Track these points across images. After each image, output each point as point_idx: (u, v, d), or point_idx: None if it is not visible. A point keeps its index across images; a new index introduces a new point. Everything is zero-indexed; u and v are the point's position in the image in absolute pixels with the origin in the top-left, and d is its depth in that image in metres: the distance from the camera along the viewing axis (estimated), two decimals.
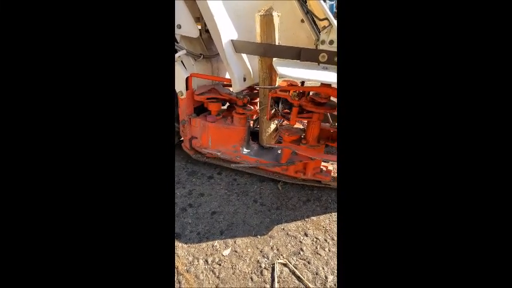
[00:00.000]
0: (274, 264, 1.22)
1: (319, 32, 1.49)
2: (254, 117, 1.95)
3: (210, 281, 1.14)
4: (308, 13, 1.62)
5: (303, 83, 1.63)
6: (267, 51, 1.42)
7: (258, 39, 1.44)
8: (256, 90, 1.86)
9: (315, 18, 1.58)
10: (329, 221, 1.49)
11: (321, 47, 1.46)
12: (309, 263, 1.24)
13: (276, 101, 1.53)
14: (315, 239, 1.37)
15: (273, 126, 1.75)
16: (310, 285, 1.13)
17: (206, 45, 1.89)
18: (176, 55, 1.57)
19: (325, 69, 1.38)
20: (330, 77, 1.27)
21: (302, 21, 1.72)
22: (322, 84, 1.35)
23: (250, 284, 1.14)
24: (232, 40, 1.51)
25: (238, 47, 1.51)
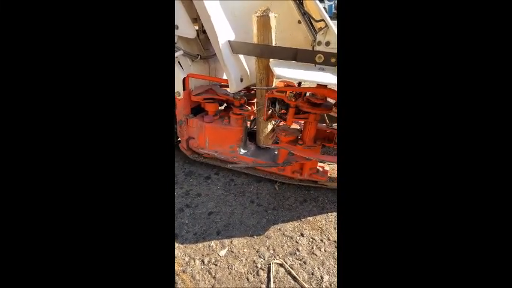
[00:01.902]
0: (270, 264, 1.23)
1: (316, 33, 1.50)
2: (251, 117, 1.95)
3: (206, 281, 1.14)
4: (305, 14, 1.62)
5: (299, 83, 1.64)
6: (264, 52, 1.43)
7: (255, 40, 1.44)
8: (253, 90, 1.86)
9: (311, 20, 1.58)
10: (325, 221, 1.50)
11: (317, 48, 1.46)
12: (304, 263, 1.25)
13: (273, 101, 1.53)
14: (311, 239, 1.38)
15: (270, 126, 1.75)
16: (305, 285, 1.14)
17: (203, 46, 1.89)
18: None
19: (322, 70, 1.38)
20: (326, 77, 1.27)
21: (299, 22, 1.72)
22: (318, 85, 1.36)
23: (246, 284, 1.14)
24: (229, 41, 1.51)
25: (235, 47, 1.51)
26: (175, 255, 1.26)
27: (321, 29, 1.45)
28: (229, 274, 1.18)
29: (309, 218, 1.52)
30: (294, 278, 1.17)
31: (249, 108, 1.75)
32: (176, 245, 1.31)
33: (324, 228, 1.45)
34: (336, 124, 1.61)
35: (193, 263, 1.22)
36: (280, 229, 1.43)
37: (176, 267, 1.20)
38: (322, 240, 1.37)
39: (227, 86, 1.65)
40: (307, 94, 1.48)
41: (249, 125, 1.91)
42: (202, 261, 1.23)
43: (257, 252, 1.29)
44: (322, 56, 1.32)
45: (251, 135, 2.00)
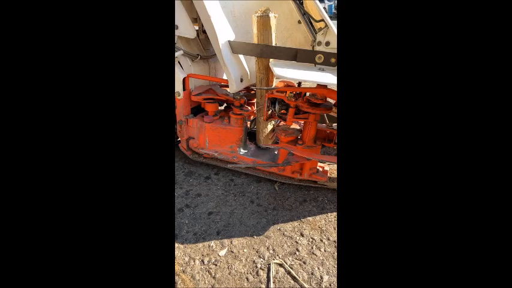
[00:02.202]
0: (270, 264, 1.23)
1: (316, 33, 1.50)
2: (251, 117, 1.95)
3: (206, 281, 1.15)
4: (305, 14, 1.62)
5: (299, 83, 1.64)
6: (264, 52, 1.43)
7: (255, 40, 1.44)
8: (253, 91, 1.86)
9: (311, 20, 1.59)
10: (325, 222, 1.50)
11: (317, 48, 1.47)
12: (304, 263, 1.25)
13: (273, 101, 1.53)
14: (310, 239, 1.38)
15: (270, 126, 1.75)
16: (305, 285, 1.14)
17: (203, 46, 1.89)
18: None
19: (322, 70, 1.38)
20: (326, 78, 1.27)
21: (299, 22, 1.73)
22: (318, 85, 1.36)
23: (246, 284, 1.14)
24: (229, 41, 1.51)
25: (235, 47, 1.51)
26: (175, 255, 1.26)
27: (320, 29, 1.45)
28: (229, 274, 1.18)
29: (308, 218, 1.52)
30: (293, 278, 1.17)
31: (249, 108, 1.75)
32: (176, 245, 1.31)
33: (323, 228, 1.45)
34: (335, 124, 1.61)
35: (193, 263, 1.22)
36: (280, 229, 1.43)
37: (176, 267, 1.20)
38: (322, 240, 1.37)
39: (227, 86, 1.65)
40: (307, 94, 1.48)
41: (249, 125, 1.91)
42: (202, 261, 1.23)
43: (257, 252, 1.29)
44: (322, 56, 1.32)
45: (251, 135, 2.00)
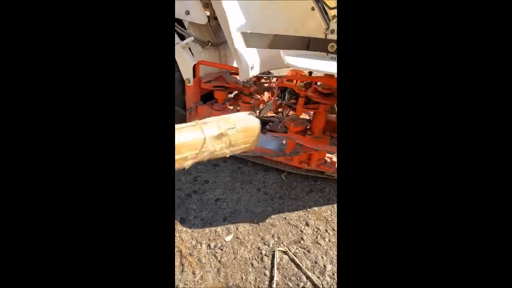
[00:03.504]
0: (274, 251, 1.25)
1: (329, 21, 1.46)
2: (260, 106, 1.95)
3: (212, 265, 1.18)
4: (319, 1, 1.58)
5: (310, 72, 1.61)
6: (276, 42, 1.40)
7: None
8: (263, 79, 1.84)
9: (325, 7, 1.54)
10: (331, 212, 1.51)
11: (330, 36, 1.43)
12: (308, 251, 1.27)
13: (283, 91, 1.52)
14: (315, 229, 1.39)
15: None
16: (308, 273, 1.16)
17: (214, 32, 1.87)
18: (183, 42, 1.57)
19: (334, 59, 1.35)
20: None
21: (312, 9, 1.68)
22: (325, 74, 1.34)
23: (250, 269, 1.17)
24: (242, 33, 1.48)
25: (249, 40, 1.47)
26: (183, 238, 1.30)
27: (334, 16, 1.41)
28: (235, 259, 1.22)
29: (314, 208, 1.53)
30: (297, 265, 1.20)
31: (259, 96, 1.74)
32: (184, 229, 1.35)
33: (329, 218, 1.46)
34: None
35: (199, 247, 1.26)
36: (285, 218, 1.45)
37: (183, 250, 1.24)
38: (326, 231, 1.39)
39: (237, 74, 1.64)
40: (318, 83, 1.46)
41: (258, 114, 1.91)
42: (209, 246, 1.27)
43: (262, 239, 1.32)
44: (334, 44, 1.29)
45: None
